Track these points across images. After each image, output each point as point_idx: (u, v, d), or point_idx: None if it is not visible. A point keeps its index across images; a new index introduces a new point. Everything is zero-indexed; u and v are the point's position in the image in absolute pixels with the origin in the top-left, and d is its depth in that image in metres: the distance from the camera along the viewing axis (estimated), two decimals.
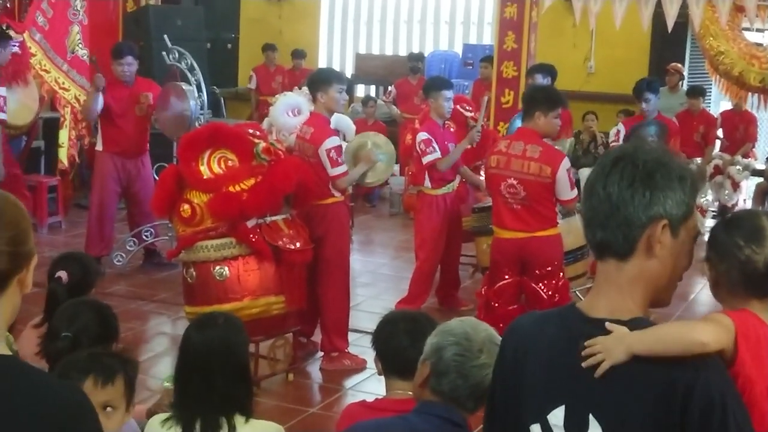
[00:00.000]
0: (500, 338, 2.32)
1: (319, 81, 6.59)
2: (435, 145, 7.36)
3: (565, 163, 6.11)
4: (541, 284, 6.19)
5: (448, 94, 7.52)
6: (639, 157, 1.98)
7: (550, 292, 6.14)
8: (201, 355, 3.05)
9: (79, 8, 9.07)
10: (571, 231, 6.61)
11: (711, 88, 12.47)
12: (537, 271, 6.21)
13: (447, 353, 2.61)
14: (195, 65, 8.76)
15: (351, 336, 6.72)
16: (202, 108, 8.64)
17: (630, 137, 8.08)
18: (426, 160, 7.38)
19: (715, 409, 1.86)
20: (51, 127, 10.22)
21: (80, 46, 9.02)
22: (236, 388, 3.03)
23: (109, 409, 2.91)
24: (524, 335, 2.12)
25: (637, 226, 1.96)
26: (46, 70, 8.79)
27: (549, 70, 8.79)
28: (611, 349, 1.93)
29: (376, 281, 8.77)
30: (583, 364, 1.94)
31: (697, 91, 11.56)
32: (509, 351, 2.14)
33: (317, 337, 6.75)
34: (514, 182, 6.11)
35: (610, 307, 2.00)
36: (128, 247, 8.58)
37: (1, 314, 1.92)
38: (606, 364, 1.92)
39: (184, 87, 8.54)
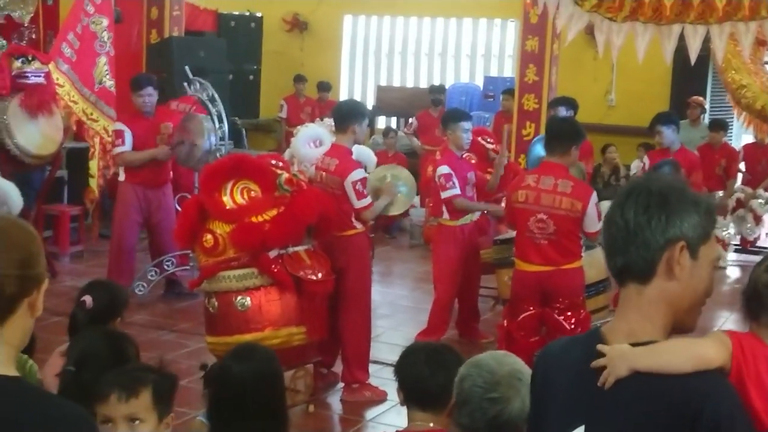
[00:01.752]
0: (526, 373, 2.37)
1: (359, 114, 6.65)
2: (455, 180, 7.38)
3: (594, 197, 6.15)
4: (563, 316, 6.18)
5: (466, 125, 7.55)
6: (652, 185, 2.05)
7: (573, 325, 6.12)
8: (241, 387, 3.05)
9: (105, 40, 9.15)
10: (593, 264, 6.60)
11: (732, 122, 12.45)
12: (560, 304, 6.20)
13: (467, 383, 2.62)
14: (216, 96, 8.82)
15: (371, 367, 6.71)
16: (222, 139, 8.69)
17: None
18: (445, 195, 7.39)
19: (723, 428, 1.88)
20: (74, 158, 10.29)
21: (108, 77, 9.10)
22: (274, 418, 3.03)
23: (136, 422, 2.91)
24: (552, 359, 2.18)
25: (655, 248, 2.01)
26: (74, 101, 8.86)
27: (572, 103, 8.83)
28: (615, 364, 1.98)
29: (396, 313, 8.76)
30: (598, 383, 1.99)
31: (719, 125, 11.53)
32: (539, 375, 2.20)
33: (338, 368, 6.73)
34: (544, 217, 6.12)
35: (628, 330, 2.04)
36: (149, 277, 8.61)
37: (10, 337, 1.96)
38: (611, 378, 1.97)
39: (202, 118, 8.59)
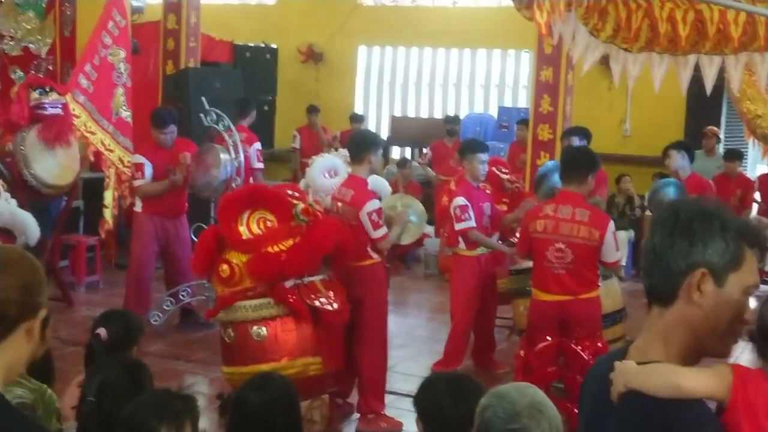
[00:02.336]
0: (546, 404, 2.45)
1: (374, 144, 6.71)
2: (470, 212, 7.39)
3: (612, 225, 6.14)
4: (581, 346, 6.16)
5: (483, 156, 7.57)
6: (682, 209, 2.10)
7: (590, 355, 6.10)
8: (257, 416, 3.06)
9: (122, 71, 9.22)
10: (609, 294, 6.60)
11: (748, 151, 12.43)
12: (578, 333, 6.18)
13: (488, 414, 2.62)
14: (232, 127, 8.87)
15: (387, 398, 6.70)
16: (239, 170, 8.72)
17: (650, 201, 8.21)
18: (459, 227, 7.40)
19: None
20: (90, 188, 10.35)
21: (124, 107, 9.16)
22: None
23: None
24: (591, 372, 2.30)
25: (677, 273, 2.06)
26: (91, 132, 8.92)
27: (585, 133, 8.84)
28: (617, 380, 2.08)
29: (412, 343, 8.74)
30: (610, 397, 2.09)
31: (735, 155, 11.52)
32: (582, 387, 2.33)
33: (353, 398, 6.72)
34: (563, 246, 6.12)
35: (642, 348, 2.12)
36: (165, 307, 8.61)
37: (4, 357, 2.06)
38: (614, 394, 2.07)
39: (218, 149, 8.64)
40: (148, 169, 8.52)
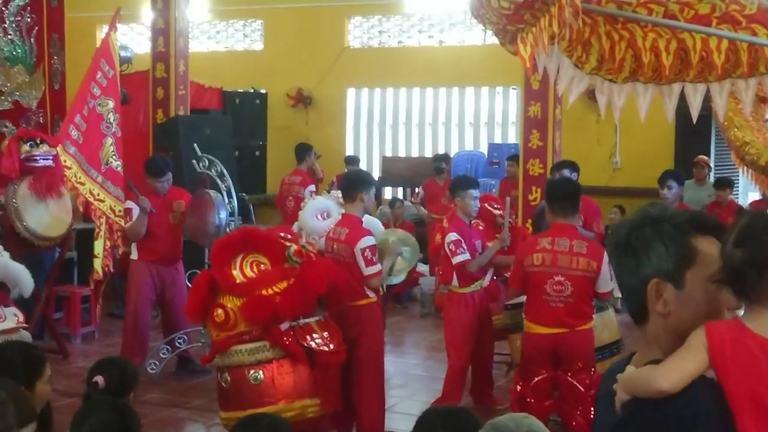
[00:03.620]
0: None
1: (366, 182, 6.78)
2: (464, 245, 7.38)
3: (606, 256, 6.15)
4: (577, 378, 6.15)
5: (475, 193, 7.58)
6: (619, 230, 2.16)
7: (586, 387, 6.09)
8: None
9: (112, 121, 9.23)
10: (606, 325, 6.60)
11: (738, 179, 12.48)
12: (573, 366, 6.17)
13: None
14: (225, 172, 8.89)
15: None
16: (232, 214, 8.74)
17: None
18: (456, 260, 7.39)
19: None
20: (83, 238, 10.33)
21: (114, 157, 9.16)
22: None
23: None
24: (600, 385, 2.31)
25: (636, 291, 2.10)
26: (81, 182, 8.91)
27: (575, 166, 8.92)
28: (618, 389, 2.11)
29: (410, 382, 8.70)
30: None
31: (725, 183, 11.56)
32: (596, 402, 2.41)
33: None
34: (562, 279, 6.13)
35: (642, 353, 2.16)
36: (162, 355, 8.58)
37: None
38: (617, 402, 2.09)
39: (212, 195, 8.66)
40: (136, 213, 8.51)
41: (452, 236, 7.41)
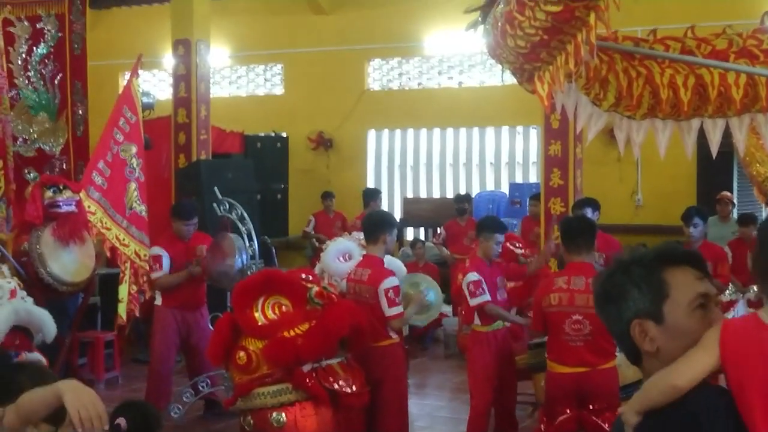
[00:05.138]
0: None
1: (388, 223, 6.83)
2: (484, 286, 7.34)
3: None
4: (601, 417, 6.10)
5: (500, 237, 7.53)
6: (595, 284, 2.24)
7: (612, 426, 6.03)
8: None
9: (135, 166, 9.32)
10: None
11: (761, 214, 12.40)
12: (597, 405, 6.12)
13: None
14: (245, 215, 8.92)
15: None
16: (253, 257, 8.76)
17: None
18: (474, 302, 7.33)
19: None
20: (107, 284, 10.37)
21: (138, 202, 9.24)
22: None
23: None
24: (613, 429, 2.35)
25: (625, 337, 2.16)
26: (107, 228, 8.99)
27: (597, 204, 8.92)
28: (626, 416, 2.14)
29: (435, 424, 8.64)
30: None
31: (748, 219, 11.46)
32: None
33: None
34: (580, 317, 6.09)
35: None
36: (185, 399, 8.57)
37: None
38: (628, 430, 2.11)
39: (232, 238, 8.69)
40: (166, 261, 8.57)
41: (472, 276, 7.37)
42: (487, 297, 7.31)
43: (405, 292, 7.11)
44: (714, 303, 2.16)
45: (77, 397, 2.77)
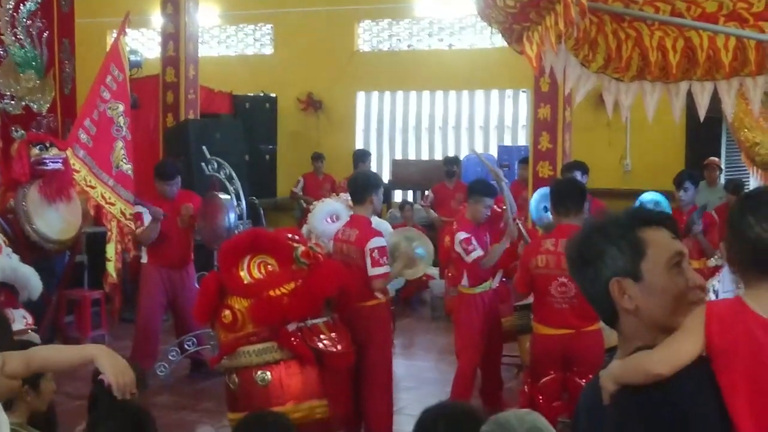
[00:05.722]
0: (546, 430, 2.43)
1: (374, 184, 6.78)
2: (475, 242, 7.35)
3: None
4: (586, 380, 6.12)
5: (489, 201, 7.51)
6: (570, 247, 2.25)
7: None
8: None
9: (122, 125, 9.26)
10: None
11: (749, 181, 12.43)
12: (582, 367, 6.15)
13: None
14: (234, 175, 8.90)
15: None
16: (241, 217, 8.75)
17: None
18: (471, 258, 7.30)
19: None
20: (94, 242, 10.35)
21: (124, 161, 9.18)
22: None
23: None
24: (583, 393, 2.33)
25: (602, 297, 2.16)
26: (92, 186, 8.94)
27: (586, 168, 8.92)
28: (605, 383, 2.12)
29: (420, 385, 8.68)
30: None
31: (735, 185, 11.50)
32: (577, 410, 2.35)
33: None
34: (566, 280, 6.09)
35: (623, 350, 2.18)
36: (171, 357, 8.59)
37: None
38: (605, 395, 2.11)
39: (222, 198, 8.68)
40: (147, 218, 8.55)
41: (462, 235, 7.37)
42: (481, 252, 7.30)
43: (396, 242, 7.07)
44: (687, 262, 2.16)
45: (113, 363, 2.87)
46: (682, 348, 2.05)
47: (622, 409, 2.08)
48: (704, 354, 2.06)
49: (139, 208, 8.65)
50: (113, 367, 2.83)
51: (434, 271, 11.83)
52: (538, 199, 8.15)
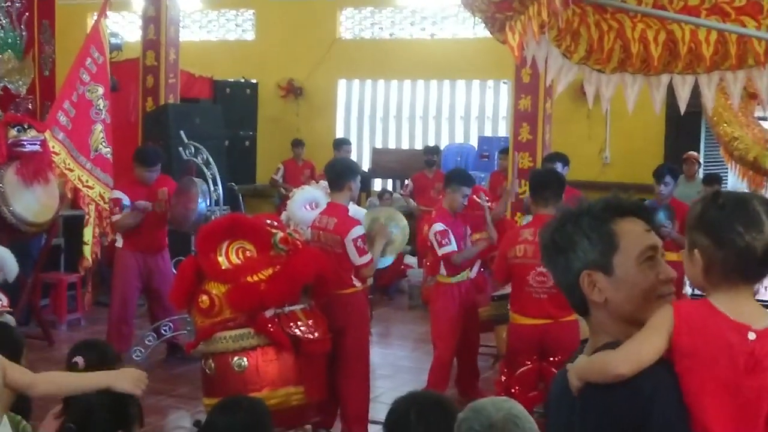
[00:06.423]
0: (523, 417, 2.45)
1: (352, 171, 6.78)
2: (450, 236, 7.36)
3: None
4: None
5: (467, 191, 7.52)
6: (543, 234, 2.22)
7: None
8: None
9: (101, 107, 9.21)
10: None
11: (727, 176, 12.49)
12: (558, 357, 6.17)
13: (463, 427, 2.62)
14: (211, 160, 8.87)
15: (371, 428, 6.63)
16: (217, 203, 8.72)
17: None
18: (442, 251, 7.36)
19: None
20: (71, 225, 10.30)
21: (103, 144, 9.14)
22: None
23: None
24: (554, 381, 2.33)
25: (573, 287, 2.15)
26: (70, 169, 8.89)
27: (567, 159, 8.95)
28: (570, 377, 2.12)
29: (397, 373, 8.70)
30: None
31: (713, 179, 11.56)
32: (549, 397, 2.38)
33: (337, 428, 6.67)
34: (544, 270, 6.09)
35: (593, 342, 2.19)
36: (147, 342, 8.56)
37: None
38: (572, 389, 2.11)
39: (196, 182, 8.64)
40: (126, 203, 8.51)
41: (438, 227, 7.38)
42: (454, 247, 7.33)
43: (369, 223, 7.04)
44: (661, 254, 2.16)
45: (128, 378, 3.19)
46: (644, 348, 2.04)
47: (586, 402, 2.09)
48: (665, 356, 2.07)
49: (118, 194, 8.60)
50: (131, 382, 3.08)
51: (412, 260, 11.84)
52: None
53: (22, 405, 4.03)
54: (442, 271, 7.48)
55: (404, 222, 7.24)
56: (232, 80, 15.63)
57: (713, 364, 2.02)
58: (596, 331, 2.18)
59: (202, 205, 8.53)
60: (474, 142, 14.92)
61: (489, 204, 8.27)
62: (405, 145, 15.70)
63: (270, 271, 5.76)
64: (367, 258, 6.43)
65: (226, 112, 13.67)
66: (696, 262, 2.13)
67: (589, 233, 2.13)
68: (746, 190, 11.71)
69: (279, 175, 13.87)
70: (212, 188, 8.69)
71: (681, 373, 2.05)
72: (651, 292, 2.12)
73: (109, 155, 9.26)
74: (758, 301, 2.18)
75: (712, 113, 8.25)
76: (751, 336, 2.04)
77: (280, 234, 5.91)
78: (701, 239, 2.12)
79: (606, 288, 2.11)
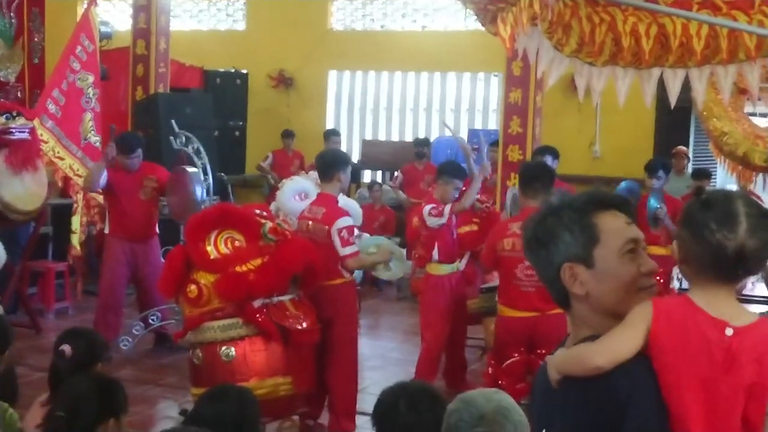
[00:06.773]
0: (513, 409, 2.46)
1: (342, 161, 6.75)
2: (444, 209, 7.34)
3: None
4: None
5: (459, 183, 7.51)
6: (526, 228, 2.23)
7: None
8: (214, 429, 3.01)
9: (91, 96, 9.20)
10: None
11: (716, 170, 12.53)
12: (546, 350, 6.16)
13: (453, 418, 2.63)
14: (201, 149, 8.85)
15: (359, 419, 6.64)
16: (207, 193, 8.70)
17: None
18: (435, 222, 7.28)
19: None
20: (59, 214, 10.27)
21: (93, 132, 9.13)
22: None
23: None
24: (538, 372, 2.35)
25: (554, 280, 2.16)
26: (60, 157, 8.87)
27: (557, 152, 8.96)
28: (549, 369, 2.17)
29: (385, 365, 8.70)
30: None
31: (703, 174, 11.59)
32: (533, 388, 2.40)
33: (325, 418, 6.67)
34: None
35: (574, 335, 2.20)
36: (134, 331, 8.55)
37: None
38: (552, 381, 2.14)
39: (190, 171, 8.62)
40: (104, 176, 8.44)
41: (429, 206, 7.38)
42: (446, 217, 7.30)
43: (381, 243, 7.04)
44: (642, 247, 2.17)
45: None
46: (622, 343, 2.05)
47: (565, 394, 2.10)
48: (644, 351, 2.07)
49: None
50: None
51: (401, 253, 11.82)
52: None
53: (6, 392, 4.03)
54: (436, 257, 7.42)
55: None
56: (223, 70, 15.60)
57: (691, 360, 2.03)
58: (577, 324, 2.19)
59: (198, 191, 8.50)
60: (464, 135, 14.91)
61: (478, 197, 8.24)
62: (395, 137, 15.69)
63: (259, 261, 5.75)
64: (351, 249, 6.40)
65: (216, 102, 13.65)
66: (674, 252, 2.17)
67: (570, 226, 2.13)
68: (735, 186, 11.76)
69: (267, 162, 13.86)
70: (203, 178, 8.67)
71: (659, 369, 2.05)
72: (632, 285, 2.12)
73: (98, 144, 9.24)
74: (744, 296, 2.20)
75: (702, 108, 8.25)
76: (729, 332, 2.05)
77: (269, 224, 5.91)
78: (681, 231, 2.16)
79: (587, 281, 2.12)
